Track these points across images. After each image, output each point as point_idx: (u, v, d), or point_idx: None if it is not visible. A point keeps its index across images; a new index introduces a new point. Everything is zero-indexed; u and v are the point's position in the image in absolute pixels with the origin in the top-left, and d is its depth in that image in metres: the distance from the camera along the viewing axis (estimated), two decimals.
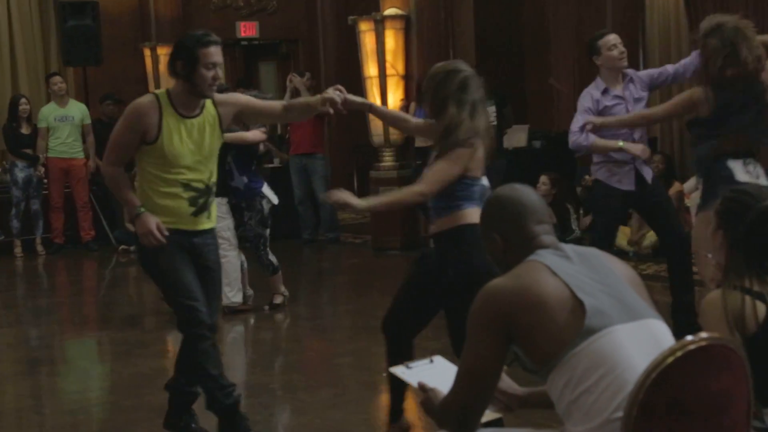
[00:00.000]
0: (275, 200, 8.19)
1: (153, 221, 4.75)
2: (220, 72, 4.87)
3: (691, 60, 6.38)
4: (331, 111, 4.94)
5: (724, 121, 5.73)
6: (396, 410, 5.03)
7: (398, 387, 4.98)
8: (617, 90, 6.51)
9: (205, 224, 5.01)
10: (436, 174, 4.67)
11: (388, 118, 5.54)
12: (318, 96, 5.04)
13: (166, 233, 4.78)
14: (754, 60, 5.61)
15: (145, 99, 4.90)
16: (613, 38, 6.54)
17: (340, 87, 5.04)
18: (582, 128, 6.46)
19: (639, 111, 6.39)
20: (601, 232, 6.88)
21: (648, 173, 6.52)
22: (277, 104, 5.35)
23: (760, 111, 5.77)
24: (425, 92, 4.77)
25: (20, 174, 11.89)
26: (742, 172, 5.65)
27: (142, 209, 4.77)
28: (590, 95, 6.56)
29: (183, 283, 4.84)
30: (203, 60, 4.74)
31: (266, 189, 8.12)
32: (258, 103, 5.31)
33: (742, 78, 5.63)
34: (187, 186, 4.86)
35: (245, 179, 7.89)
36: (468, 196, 4.66)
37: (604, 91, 6.51)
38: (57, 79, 12.34)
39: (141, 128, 4.77)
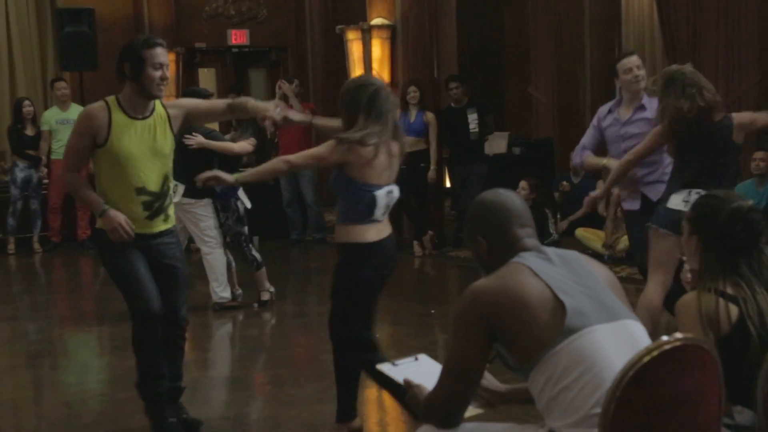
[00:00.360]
0: (248, 204, 8.28)
1: (120, 216, 4.79)
2: (167, 72, 4.88)
3: None
4: (271, 129, 4.94)
5: (683, 159, 5.69)
6: (348, 410, 5.04)
7: (351, 386, 5.04)
8: (622, 112, 6.35)
9: (162, 226, 5.01)
10: (310, 151, 4.86)
11: (329, 130, 5.42)
12: (260, 103, 5.00)
13: (133, 227, 4.82)
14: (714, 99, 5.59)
15: (95, 104, 4.96)
16: (629, 61, 6.38)
17: (280, 103, 5.03)
18: (583, 146, 6.51)
19: (627, 154, 6.02)
20: (635, 258, 6.68)
21: (654, 192, 6.15)
22: (221, 103, 5.34)
23: (719, 154, 5.65)
24: (340, 106, 4.79)
25: (20, 174, 11.88)
26: (678, 201, 5.56)
27: (107, 206, 4.79)
28: (598, 113, 6.53)
29: (137, 278, 4.89)
30: (150, 60, 4.79)
31: (241, 193, 8.20)
32: (203, 104, 5.38)
33: (708, 120, 5.55)
34: (141, 190, 4.86)
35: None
36: (355, 208, 4.74)
37: (609, 111, 6.44)
38: (61, 84, 12.33)
39: (91, 131, 4.81)
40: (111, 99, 4.93)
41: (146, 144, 4.87)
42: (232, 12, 15.05)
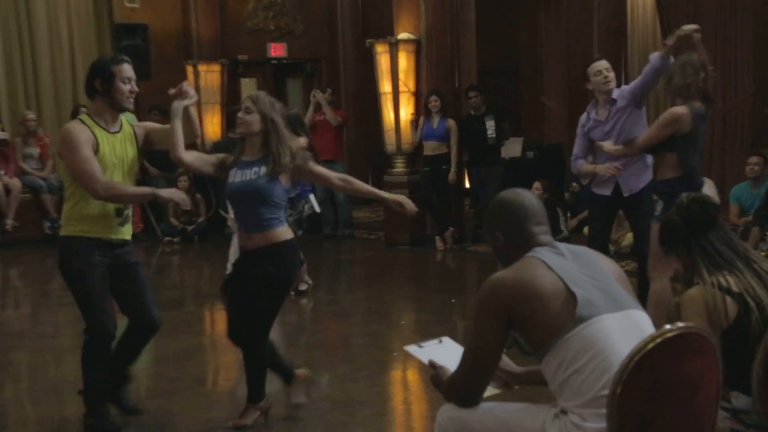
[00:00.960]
0: (317, 208, 8.18)
1: (169, 188, 4.76)
2: (135, 86, 4.81)
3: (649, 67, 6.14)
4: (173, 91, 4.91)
5: (696, 136, 5.73)
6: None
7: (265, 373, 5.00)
8: (599, 113, 6.31)
9: (127, 234, 4.92)
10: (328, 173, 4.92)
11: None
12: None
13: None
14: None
15: (72, 123, 4.83)
16: (598, 65, 6.32)
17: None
18: (575, 156, 6.48)
19: (623, 142, 6.13)
20: (589, 234, 6.75)
21: (626, 186, 6.23)
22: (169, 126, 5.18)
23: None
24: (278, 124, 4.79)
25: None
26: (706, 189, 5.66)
27: (153, 188, 4.74)
28: (581, 119, 6.47)
29: (101, 296, 4.77)
30: (119, 75, 4.71)
31: (312, 196, 8.07)
32: (159, 127, 5.16)
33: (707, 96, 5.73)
34: None
35: (298, 188, 7.67)
36: (281, 208, 4.77)
37: (588, 114, 6.40)
38: None
39: (90, 139, 4.67)
40: (83, 117, 4.85)
41: (119, 156, 4.79)
42: (272, 27, 15.08)
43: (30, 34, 13.36)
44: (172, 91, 4.87)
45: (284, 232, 4.75)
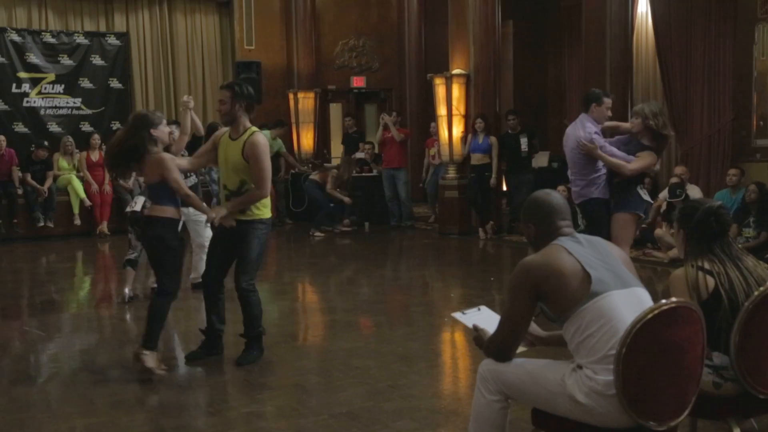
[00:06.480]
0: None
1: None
2: (221, 106, 5.22)
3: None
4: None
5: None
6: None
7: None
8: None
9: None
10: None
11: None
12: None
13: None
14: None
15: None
16: (610, 101, 6.39)
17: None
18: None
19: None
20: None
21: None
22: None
23: None
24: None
25: (216, 175, 12.04)
26: (644, 193, 6.12)
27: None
28: (596, 140, 6.14)
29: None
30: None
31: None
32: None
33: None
34: (224, 187, 5.22)
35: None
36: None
37: (596, 132, 6.20)
38: None
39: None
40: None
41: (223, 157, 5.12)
42: (354, 64, 15.16)
43: (173, 68, 13.69)
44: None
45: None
